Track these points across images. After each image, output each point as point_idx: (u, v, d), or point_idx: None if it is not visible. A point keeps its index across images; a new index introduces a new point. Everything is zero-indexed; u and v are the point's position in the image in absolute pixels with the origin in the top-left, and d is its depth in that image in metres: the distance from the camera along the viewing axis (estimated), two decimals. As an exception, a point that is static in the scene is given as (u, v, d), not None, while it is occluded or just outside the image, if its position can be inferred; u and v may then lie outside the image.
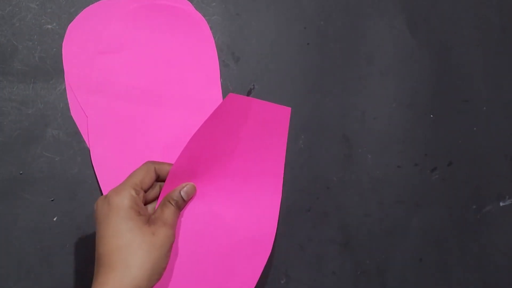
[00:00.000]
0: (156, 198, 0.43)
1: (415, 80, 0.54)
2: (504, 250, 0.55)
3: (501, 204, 0.55)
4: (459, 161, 0.54)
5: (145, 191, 0.41)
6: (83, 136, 0.47)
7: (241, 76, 0.50)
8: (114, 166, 0.47)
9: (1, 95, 0.46)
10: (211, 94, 0.49)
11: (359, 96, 0.53)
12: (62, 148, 0.47)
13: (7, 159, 0.46)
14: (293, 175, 0.51)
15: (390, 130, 0.53)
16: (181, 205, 0.42)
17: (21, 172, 0.46)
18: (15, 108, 0.46)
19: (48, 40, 0.47)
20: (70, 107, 0.47)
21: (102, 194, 0.46)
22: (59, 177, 0.46)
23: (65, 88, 0.47)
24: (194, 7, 0.50)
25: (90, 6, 0.48)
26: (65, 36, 0.48)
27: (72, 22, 0.48)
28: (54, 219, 0.46)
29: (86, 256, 0.45)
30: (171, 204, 0.41)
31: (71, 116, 0.47)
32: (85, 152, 0.47)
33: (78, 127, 0.47)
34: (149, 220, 0.40)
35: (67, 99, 0.47)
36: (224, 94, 0.50)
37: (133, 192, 0.39)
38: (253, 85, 0.51)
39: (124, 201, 0.38)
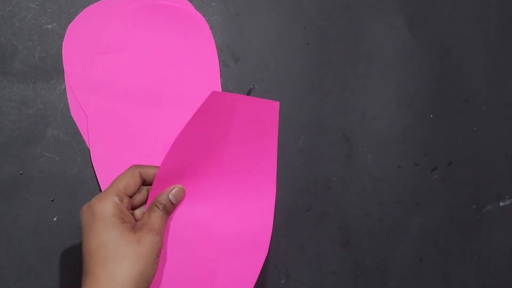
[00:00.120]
0: (144, 202, 0.42)
1: (415, 80, 0.54)
2: (504, 250, 0.55)
3: (501, 204, 0.55)
4: (459, 161, 0.54)
5: (130, 197, 0.40)
6: (83, 136, 0.47)
7: (241, 76, 0.50)
8: (114, 166, 0.46)
9: (1, 95, 0.46)
10: (211, 94, 0.49)
11: (359, 96, 0.53)
12: (62, 148, 0.47)
13: (7, 159, 0.46)
14: (293, 175, 0.51)
15: (390, 130, 0.53)
16: (169, 209, 0.41)
17: (21, 172, 0.46)
18: (15, 108, 0.46)
19: (48, 40, 0.47)
20: (70, 107, 0.47)
21: (102, 194, 0.46)
22: (59, 177, 0.46)
23: (65, 88, 0.47)
24: (194, 7, 0.50)
25: (90, 6, 0.48)
26: (65, 36, 0.48)
27: (72, 22, 0.48)
28: (54, 219, 0.46)
29: (86, 256, 0.45)
30: (159, 208, 0.40)
31: (71, 116, 0.47)
32: (85, 152, 0.47)
33: (78, 127, 0.47)
34: (135, 227, 0.38)
35: (67, 99, 0.47)
36: (224, 94, 0.50)
37: (116, 199, 0.38)
38: (253, 85, 0.51)
39: (107, 209, 0.37)
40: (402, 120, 0.53)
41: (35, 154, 0.46)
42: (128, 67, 0.48)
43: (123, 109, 0.47)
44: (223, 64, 0.50)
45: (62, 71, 0.47)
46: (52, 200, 0.46)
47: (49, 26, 0.48)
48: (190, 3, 0.50)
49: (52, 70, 0.47)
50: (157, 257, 0.38)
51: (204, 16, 0.50)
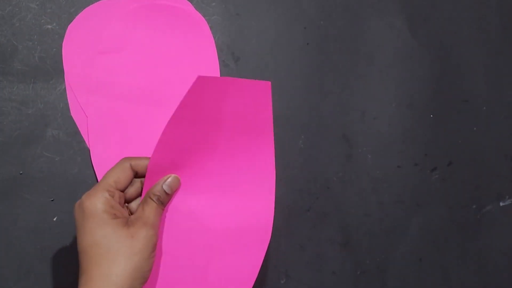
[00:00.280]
0: (139, 195, 0.41)
1: (415, 80, 0.54)
2: (504, 250, 0.55)
3: (501, 204, 0.55)
4: (459, 161, 0.54)
5: (123, 191, 0.39)
6: (83, 136, 0.47)
7: (241, 76, 0.50)
8: (114, 166, 0.46)
9: (1, 95, 0.46)
10: (211, 94, 0.49)
11: (359, 96, 0.53)
12: (62, 148, 0.47)
13: (7, 159, 0.46)
14: (293, 175, 0.51)
15: (390, 130, 0.53)
16: (164, 200, 0.40)
17: (21, 172, 0.46)
18: (15, 108, 0.46)
19: (48, 40, 0.47)
20: (70, 107, 0.47)
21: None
22: (59, 177, 0.46)
23: (65, 88, 0.47)
24: (194, 7, 0.50)
25: (90, 6, 0.48)
26: (65, 36, 0.48)
27: (72, 22, 0.48)
28: (54, 219, 0.46)
29: (86, 256, 0.45)
30: (153, 200, 0.39)
31: (71, 116, 0.47)
32: (85, 152, 0.47)
33: (78, 127, 0.47)
34: (128, 222, 0.37)
35: (67, 99, 0.47)
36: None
37: (106, 195, 0.37)
38: (253, 85, 0.51)
39: (97, 205, 0.36)
40: (402, 120, 0.53)
41: (35, 154, 0.46)
42: (128, 67, 0.48)
43: (123, 109, 0.47)
44: (223, 64, 0.50)
45: (62, 71, 0.47)
46: (52, 200, 0.46)
47: (49, 26, 0.48)
48: (190, 3, 0.50)
49: (52, 70, 0.47)
50: (153, 251, 0.37)
51: (204, 16, 0.50)
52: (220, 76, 0.50)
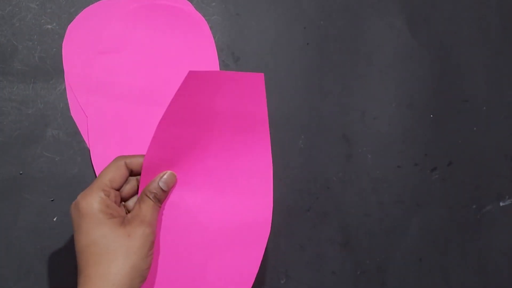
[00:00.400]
0: (135, 193, 0.41)
1: (415, 80, 0.54)
2: (504, 250, 0.55)
3: (501, 204, 0.55)
4: (459, 161, 0.54)
5: (118, 189, 0.39)
6: (83, 136, 0.47)
7: (241, 76, 0.50)
8: (114, 166, 0.46)
9: (1, 95, 0.46)
10: (211, 94, 0.49)
11: (359, 96, 0.53)
12: (62, 148, 0.47)
13: (7, 159, 0.46)
14: (293, 175, 0.51)
15: (390, 130, 0.53)
16: (160, 197, 0.39)
17: (21, 172, 0.46)
18: (15, 108, 0.46)
19: (48, 40, 0.47)
20: (70, 107, 0.47)
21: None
22: (59, 177, 0.46)
23: (65, 88, 0.47)
24: (194, 7, 0.50)
25: (90, 6, 0.48)
26: (65, 36, 0.48)
27: (72, 22, 0.48)
28: (54, 219, 0.46)
29: (86, 256, 0.45)
30: (149, 198, 0.38)
31: (71, 116, 0.47)
32: (85, 152, 0.47)
33: (78, 127, 0.47)
34: (125, 220, 0.37)
35: (67, 99, 0.47)
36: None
37: (102, 194, 0.37)
38: (253, 85, 0.51)
39: (93, 205, 0.36)
40: (402, 120, 0.53)
41: (35, 154, 0.46)
42: (128, 67, 0.48)
43: (123, 109, 0.47)
44: (223, 64, 0.50)
45: (62, 71, 0.47)
46: (52, 200, 0.46)
47: (49, 26, 0.48)
48: (190, 3, 0.50)
49: (52, 70, 0.47)
50: (150, 249, 0.37)
51: (204, 16, 0.50)
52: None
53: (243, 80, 0.40)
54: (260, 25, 0.51)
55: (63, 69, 0.47)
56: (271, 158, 0.42)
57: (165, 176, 0.40)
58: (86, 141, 0.47)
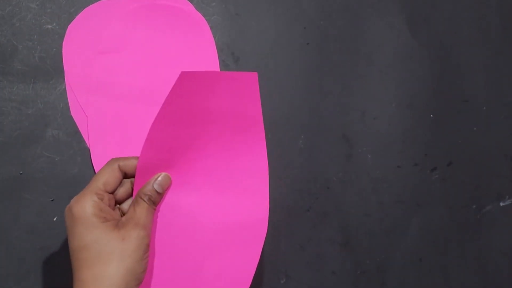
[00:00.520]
0: (129, 195, 0.40)
1: (415, 80, 0.54)
2: (504, 250, 0.55)
3: (501, 204, 0.55)
4: (459, 161, 0.54)
5: (112, 192, 0.39)
6: (83, 136, 0.47)
7: (241, 76, 0.50)
8: (114, 166, 0.46)
9: (1, 95, 0.46)
10: (211, 94, 0.49)
11: (359, 96, 0.53)
12: (62, 148, 0.47)
13: (7, 159, 0.46)
14: (293, 175, 0.51)
15: (390, 130, 0.53)
16: (155, 199, 0.39)
17: (21, 172, 0.46)
18: (15, 108, 0.46)
19: (48, 40, 0.47)
20: (70, 107, 0.47)
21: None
22: (59, 177, 0.46)
23: (65, 88, 0.47)
24: (194, 7, 0.50)
25: (90, 6, 0.48)
26: (65, 36, 0.48)
27: (72, 22, 0.48)
28: (54, 219, 0.46)
29: (86, 256, 0.45)
30: (144, 200, 0.38)
31: (71, 116, 0.47)
32: (85, 152, 0.47)
33: (78, 127, 0.47)
34: (119, 224, 0.37)
35: (67, 99, 0.47)
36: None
37: (95, 198, 0.36)
38: (253, 85, 0.51)
39: (86, 209, 0.36)
40: (402, 120, 0.53)
41: (35, 154, 0.46)
42: (128, 67, 0.48)
43: (123, 109, 0.47)
44: (223, 64, 0.50)
45: (62, 71, 0.47)
46: (52, 200, 0.46)
47: (49, 26, 0.48)
48: (190, 3, 0.50)
49: (52, 70, 0.47)
50: (145, 252, 0.37)
51: (204, 16, 0.50)
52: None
53: (237, 80, 0.39)
54: (260, 25, 0.51)
55: (63, 69, 0.47)
56: (266, 157, 0.42)
57: (159, 178, 0.40)
58: (86, 141, 0.47)
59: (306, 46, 0.52)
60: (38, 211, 0.46)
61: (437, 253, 0.53)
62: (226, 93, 0.40)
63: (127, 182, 0.40)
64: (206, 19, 0.50)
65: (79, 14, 0.48)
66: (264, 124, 0.42)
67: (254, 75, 0.40)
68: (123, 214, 0.40)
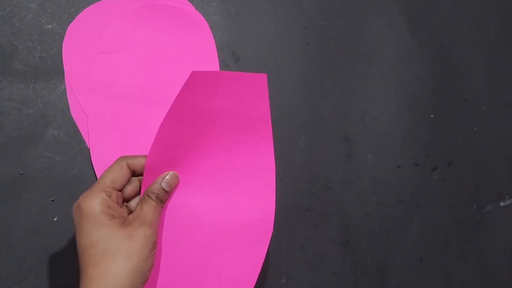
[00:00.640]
0: (137, 193, 0.41)
1: (415, 80, 0.54)
2: (504, 250, 0.55)
3: (501, 204, 0.55)
4: (459, 161, 0.54)
5: (120, 190, 0.39)
6: (83, 136, 0.47)
7: (241, 76, 0.50)
8: (114, 166, 0.46)
9: (1, 95, 0.46)
10: (211, 94, 0.49)
11: (359, 96, 0.53)
12: (62, 148, 0.47)
13: (7, 159, 0.46)
14: (293, 175, 0.51)
15: (390, 130, 0.53)
16: (163, 198, 0.39)
17: (21, 172, 0.46)
18: (15, 108, 0.46)
19: (48, 40, 0.47)
20: (70, 107, 0.47)
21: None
22: (59, 177, 0.46)
23: (65, 88, 0.47)
24: (194, 7, 0.50)
25: (90, 6, 0.48)
26: (65, 36, 0.48)
27: (72, 22, 0.48)
28: (54, 219, 0.46)
29: (86, 256, 0.45)
30: (151, 198, 0.38)
31: (71, 116, 0.47)
32: (85, 152, 0.47)
33: (78, 127, 0.47)
34: (126, 221, 0.37)
35: (67, 99, 0.47)
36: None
37: (103, 195, 0.37)
38: (253, 85, 0.51)
39: (94, 206, 0.36)
40: (402, 120, 0.53)
41: (35, 154, 0.46)
42: (128, 67, 0.48)
43: (123, 109, 0.47)
44: (223, 64, 0.50)
45: (62, 71, 0.47)
46: (52, 200, 0.46)
47: (49, 26, 0.48)
48: (190, 3, 0.50)
49: (52, 70, 0.47)
50: (152, 250, 0.37)
51: (204, 16, 0.50)
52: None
53: (246, 81, 0.40)
54: (260, 25, 0.51)
55: (63, 69, 0.47)
56: (273, 158, 0.42)
57: (167, 177, 0.40)
58: (86, 141, 0.47)
59: (306, 46, 0.52)
60: (38, 211, 0.46)
61: (437, 253, 0.53)
62: (235, 94, 0.40)
63: (135, 180, 0.40)
64: (206, 19, 0.50)
65: (79, 14, 0.48)
66: (264, 124, 0.42)
67: (264, 76, 0.40)
68: (130, 212, 0.40)
